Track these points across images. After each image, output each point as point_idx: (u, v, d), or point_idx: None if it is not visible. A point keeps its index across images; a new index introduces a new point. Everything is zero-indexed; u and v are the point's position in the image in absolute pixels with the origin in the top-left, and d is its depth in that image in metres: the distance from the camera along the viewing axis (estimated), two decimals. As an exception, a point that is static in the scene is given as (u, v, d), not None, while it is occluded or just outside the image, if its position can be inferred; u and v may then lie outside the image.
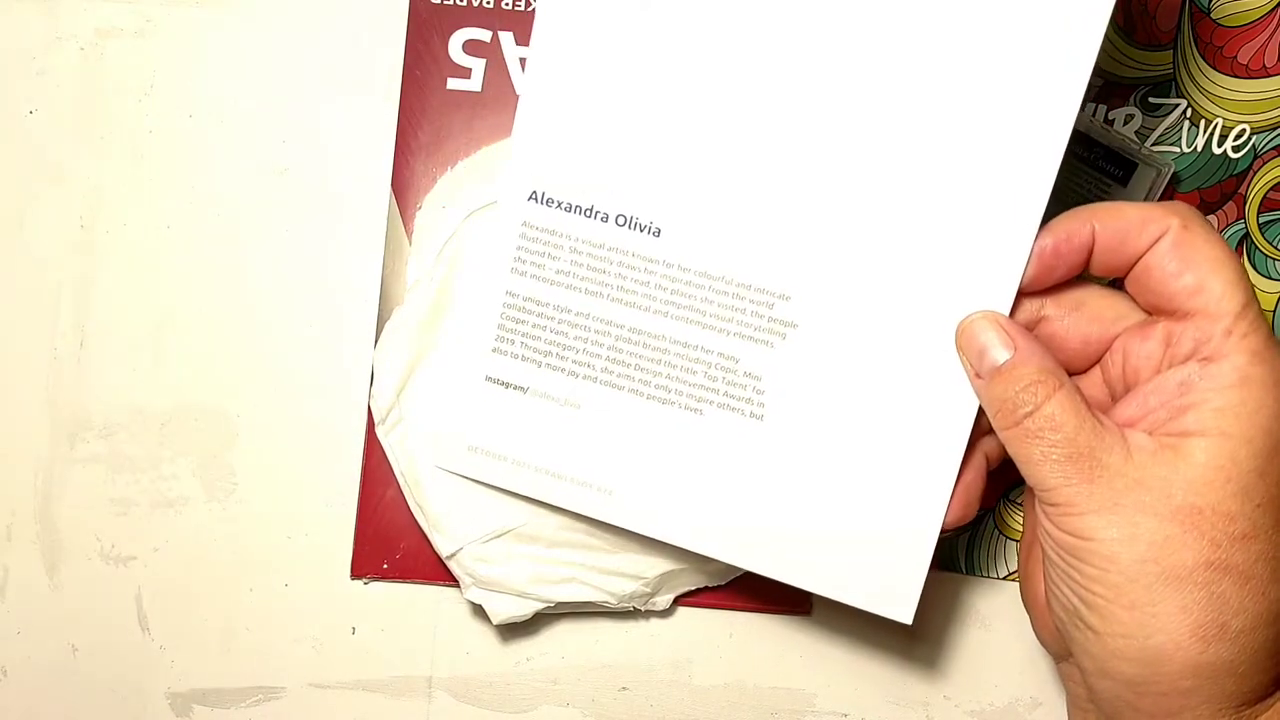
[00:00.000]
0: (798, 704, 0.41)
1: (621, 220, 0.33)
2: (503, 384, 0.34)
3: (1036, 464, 0.29)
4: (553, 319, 0.33)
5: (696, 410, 0.33)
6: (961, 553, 0.40)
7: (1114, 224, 0.29)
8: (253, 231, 0.41)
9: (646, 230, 0.33)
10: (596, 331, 0.33)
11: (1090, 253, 0.30)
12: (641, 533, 0.34)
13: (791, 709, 0.41)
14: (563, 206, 0.33)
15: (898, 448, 0.32)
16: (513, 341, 0.34)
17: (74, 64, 0.42)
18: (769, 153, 0.32)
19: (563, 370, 0.34)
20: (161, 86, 0.41)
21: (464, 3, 0.40)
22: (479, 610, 0.40)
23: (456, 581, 0.39)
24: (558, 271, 0.33)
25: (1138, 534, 0.27)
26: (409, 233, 0.40)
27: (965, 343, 0.31)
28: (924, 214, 0.31)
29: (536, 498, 0.35)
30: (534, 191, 0.33)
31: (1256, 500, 0.27)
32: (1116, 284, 0.31)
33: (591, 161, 0.33)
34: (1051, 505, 0.29)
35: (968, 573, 0.40)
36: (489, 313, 0.34)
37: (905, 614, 0.33)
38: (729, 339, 0.32)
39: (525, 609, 0.38)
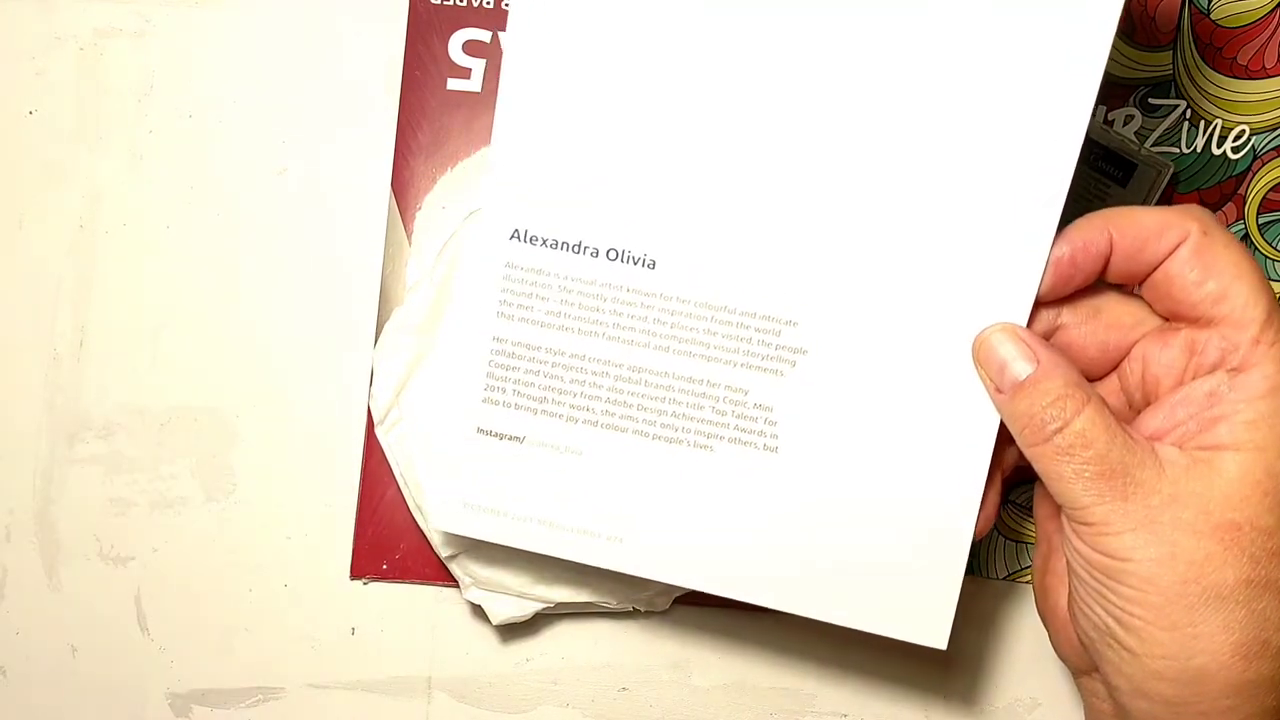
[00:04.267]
0: (798, 704, 0.41)
1: (613, 254, 0.31)
2: (497, 435, 0.32)
3: (1068, 482, 0.28)
4: (546, 363, 0.32)
5: (706, 447, 0.32)
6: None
7: (1131, 231, 0.29)
8: (252, 231, 0.41)
9: (641, 263, 0.31)
10: (594, 373, 0.32)
11: (1107, 261, 0.29)
12: (658, 580, 0.33)
13: (791, 709, 0.41)
14: (548, 244, 0.31)
15: (919, 470, 0.31)
16: (504, 390, 0.32)
17: (73, 64, 0.42)
18: (766, 173, 0.30)
19: (561, 416, 0.32)
20: (161, 86, 0.41)
21: (464, 3, 0.40)
22: (479, 610, 0.40)
23: (456, 582, 0.39)
24: (548, 313, 0.32)
25: (1177, 553, 0.27)
26: (409, 233, 0.40)
27: (984, 357, 0.30)
28: (934, 227, 0.30)
29: (542, 552, 0.33)
30: (516, 230, 0.31)
31: None
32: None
33: (576, 194, 0.31)
34: (1084, 524, 0.28)
35: (967, 573, 0.40)
36: (476, 361, 0.32)
37: (939, 639, 0.32)
38: (736, 370, 0.31)
39: (525, 609, 0.38)
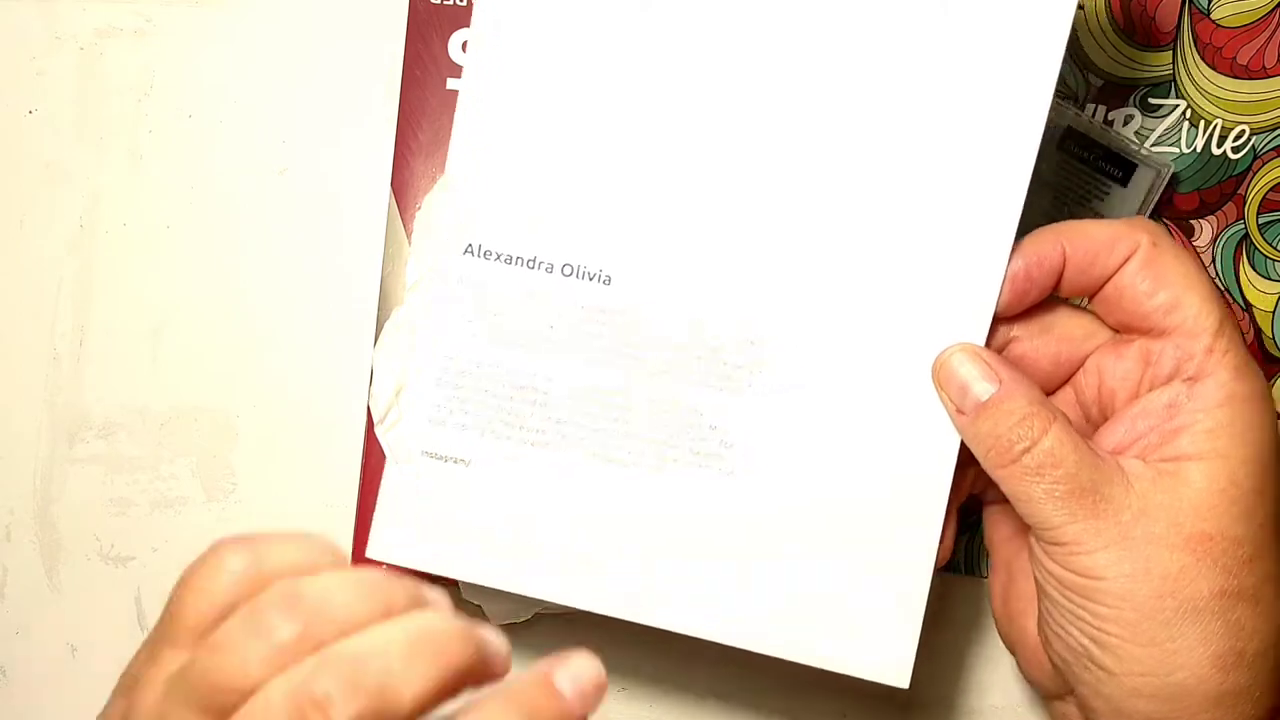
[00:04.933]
0: (798, 704, 0.41)
1: (568, 270, 0.30)
2: (442, 458, 0.31)
3: (1038, 503, 0.28)
4: (497, 381, 0.31)
5: (660, 470, 0.31)
6: (961, 553, 0.40)
7: (1083, 244, 0.29)
8: (253, 231, 0.41)
9: (595, 279, 0.30)
10: (544, 392, 0.31)
11: (1061, 275, 0.29)
12: (605, 614, 0.31)
13: (791, 709, 0.41)
14: (503, 259, 0.31)
15: (878, 498, 0.30)
16: (451, 410, 0.31)
17: (73, 64, 0.42)
18: (723, 190, 0.30)
19: (510, 438, 0.31)
20: (161, 86, 0.41)
21: (464, 3, 0.40)
22: (478, 610, 0.40)
23: (456, 582, 0.39)
24: (500, 329, 0.31)
25: (1151, 568, 0.27)
26: (409, 233, 0.40)
27: (944, 379, 0.29)
28: (891, 247, 0.30)
29: (487, 585, 0.32)
30: (470, 244, 0.31)
31: (1259, 520, 0.27)
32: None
33: (531, 210, 0.31)
34: (1056, 544, 0.28)
35: (966, 573, 0.40)
36: (424, 380, 0.31)
37: (901, 678, 0.31)
38: (692, 389, 0.30)
39: (524, 610, 0.38)
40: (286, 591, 0.23)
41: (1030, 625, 0.31)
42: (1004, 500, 0.33)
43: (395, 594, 0.24)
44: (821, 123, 0.30)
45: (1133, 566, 0.27)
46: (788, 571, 0.31)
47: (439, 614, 0.25)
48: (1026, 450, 0.28)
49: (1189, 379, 0.28)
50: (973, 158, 0.29)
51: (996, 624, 0.33)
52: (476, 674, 0.25)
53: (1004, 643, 0.33)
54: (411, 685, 0.22)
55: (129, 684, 0.26)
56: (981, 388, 0.28)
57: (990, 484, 0.33)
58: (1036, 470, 0.27)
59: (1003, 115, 0.29)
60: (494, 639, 0.26)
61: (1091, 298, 0.30)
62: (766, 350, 0.30)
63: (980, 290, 0.29)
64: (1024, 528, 0.32)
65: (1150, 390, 0.29)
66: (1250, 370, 0.28)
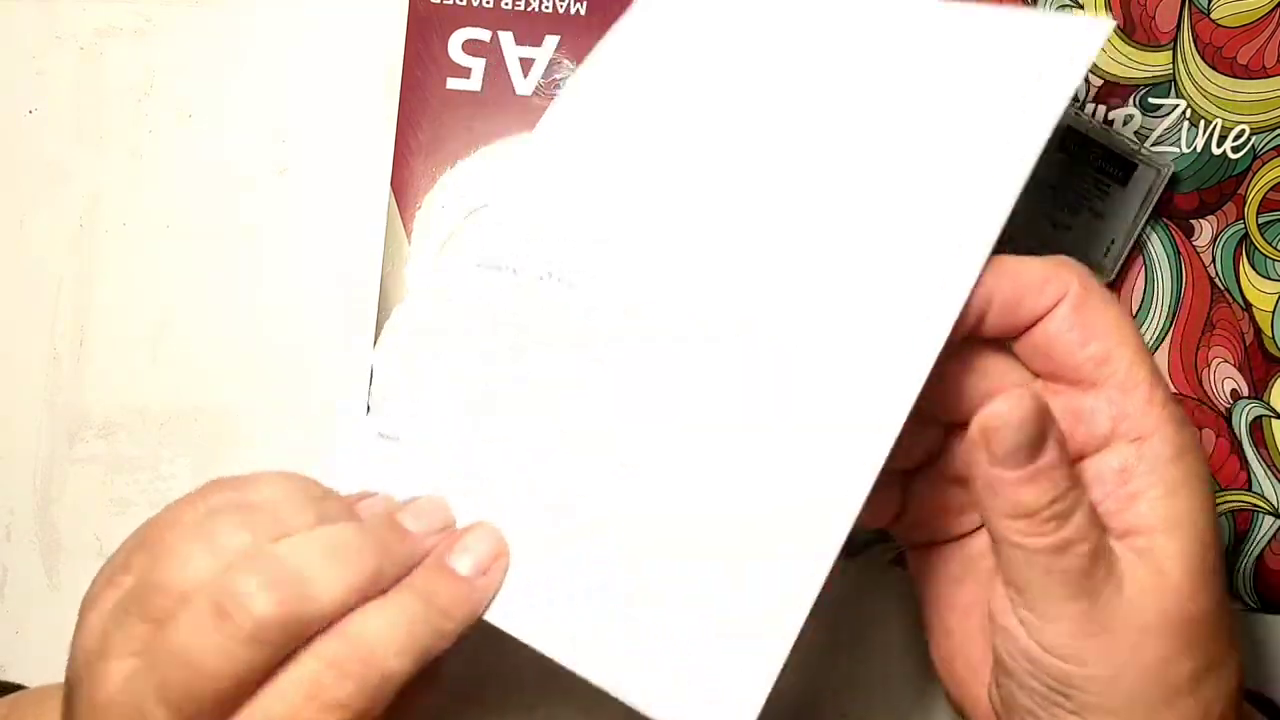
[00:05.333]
0: (800, 703, 0.41)
1: (545, 276, 0.32)
2: (384, 436, 0.32)
3: (1054, 586, 0.25)
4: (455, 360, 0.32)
5: (545, 431, 0.30)
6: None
7: (1010, 283, 0.27)
8: (253, 231, 0.41)
9: (563, 283, 0.31)
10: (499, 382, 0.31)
11: (984, 315, 0.27)
12: None
13: (793, 708, 0.41)
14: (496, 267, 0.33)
15: (762, 535, 0.27)
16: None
17: (73, 64, 0.42)
18: (702, 214, 0.30)
19: (447, 418, 0.32)
20: (161, 86, 0.41)
21: (464, 2, 0.40)
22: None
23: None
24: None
25: (1139, 656, 0.25)
26: (409, 233, 0.40)
27: (991, 435, 0.25)
28: (847, 278, 0.28)
29: None
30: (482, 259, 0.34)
31: (1219, 584, 0.26)
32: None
33: (534, 222, 0.32)
34: (1049, 622, 0.26)
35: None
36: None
37: None
38: (602, 381, 0.30)
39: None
40: (235, 502, 0.26)
41: (982, 692, 0.29)
42: (937, 542, 0.31)
43: (330, 507, 0.27)
44: (804, 154, 0.29)
45: (1123, 656, 0.25)
46: (647, 589, 0.27)
47: (356, 525, 0.26)
48: (1060, 526, 0.25)
49: (1136, 439, 0.26)
50: (946, 200, 0.27)
51: (942, 684, 0.31)
52: (392, 577, 0.26)
53: (951, 705, 0.31)
54: (327, 586, 0.25)
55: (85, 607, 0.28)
56: (1045, 452, 0.25)
57: (916, 527, 0.31)
58: (1065, 546, 0.25)
59: (983, 168, 0.27)
60: (419, 539, 0.27)
61: (1015, 340, 0.28)
62: (688, 365, 0.29)
63: (929, 328, 0.26)
64: (969, 587, 0.30)
65: (1086, 454, 0.27)
66: (1185, 419, 0.27)
